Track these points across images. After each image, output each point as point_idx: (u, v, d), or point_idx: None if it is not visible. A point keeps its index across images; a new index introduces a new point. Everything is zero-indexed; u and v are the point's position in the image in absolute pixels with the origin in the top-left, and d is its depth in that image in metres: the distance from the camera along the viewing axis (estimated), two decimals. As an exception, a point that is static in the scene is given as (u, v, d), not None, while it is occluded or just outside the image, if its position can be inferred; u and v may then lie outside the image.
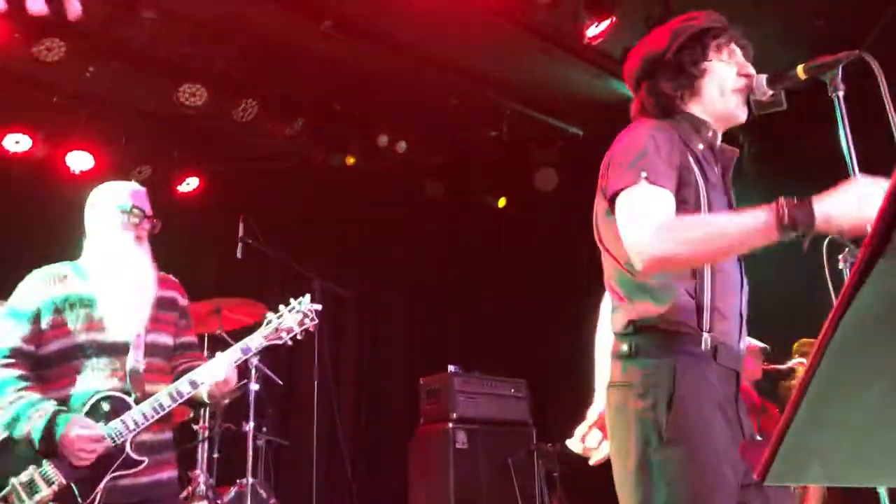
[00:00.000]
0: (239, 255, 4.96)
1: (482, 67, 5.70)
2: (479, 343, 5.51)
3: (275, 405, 5.20)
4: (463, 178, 6.88)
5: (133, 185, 2.86)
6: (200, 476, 4.42)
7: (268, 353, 5.00)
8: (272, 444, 4.98)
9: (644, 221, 1.68)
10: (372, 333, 6.01)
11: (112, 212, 2.74)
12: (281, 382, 4.90)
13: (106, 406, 2.50)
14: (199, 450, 4.68)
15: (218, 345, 4.86)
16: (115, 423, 2.48)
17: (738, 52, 1.95)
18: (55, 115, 5.95)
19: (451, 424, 5.01)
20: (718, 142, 1.98)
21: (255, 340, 2.68)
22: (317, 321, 2.77)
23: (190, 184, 6.62)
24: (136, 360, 2.58)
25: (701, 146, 1.90)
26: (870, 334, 0.74)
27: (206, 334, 4.82)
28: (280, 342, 2.72)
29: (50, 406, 2.45)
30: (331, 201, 6.34)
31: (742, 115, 1.93)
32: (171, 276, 2.94)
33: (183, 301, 2.90)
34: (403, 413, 5.30)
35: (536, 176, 6.68)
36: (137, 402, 2.53)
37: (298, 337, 2.75)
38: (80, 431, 2.40)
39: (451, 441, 4.97)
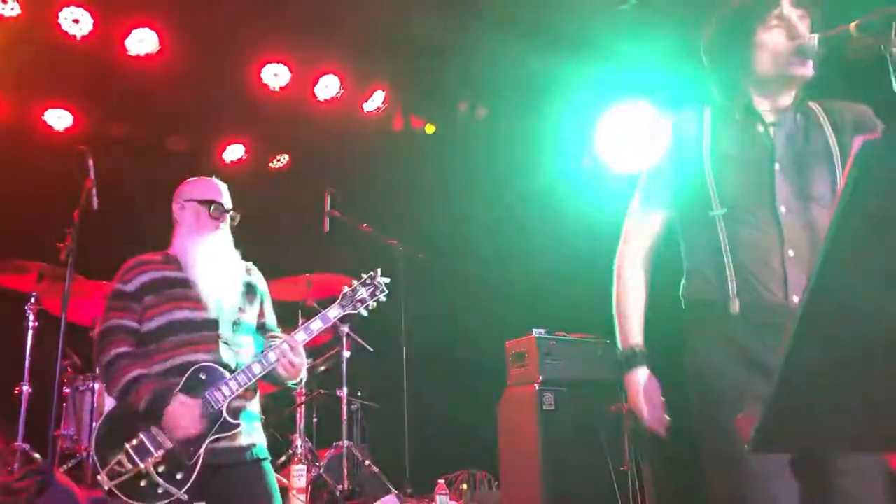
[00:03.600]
0: (326, 228, 5.14)
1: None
2: (565, 303, 5.50)
3: (366, 371, 5.38)
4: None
5: (213, 181, 3.09)
6: (299, 440, 4.66)
7: (359, 322, 5.21)
8: (365, 408, 5.19)
9: None
10: (457, 298, 6.10)
11: (196, 206, 2.99)
12: (371, 349, 5.08)
13: (203, 376, 2.72)
14: (298, 415, 4.93)
15: (310, 315, 5.10)
16: (212, 391, 2.69)
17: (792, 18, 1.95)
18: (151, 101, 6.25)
19: (538, 387, 5.06)
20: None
21: (333, 310, 2.89)
22: (387, 292, 2.95)
23: (281, 160, 6.89)
24: (228, 335, 2.83)
25: (737, 116, 2.02)
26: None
27: (300, 309, 5.05)
28: (354, 312, 2.91)
29: (154, 381, 2.69)
30: (413, 169, 6.43)
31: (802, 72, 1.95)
32: (251, 265, 3.17)
33: (262, 286, 3.13)
34: (490, 376, 5.38)
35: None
36: (231, 372, 2.74)
37: (371, 307, 2.93)
38: (182, 407, 2.63)
39: (538, 403, 5.02)
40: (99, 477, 2.67)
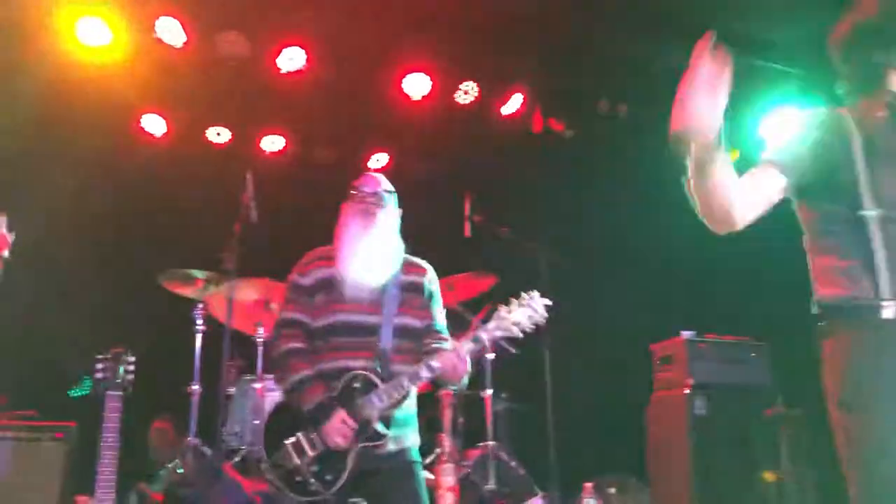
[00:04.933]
0: (467, 233, 5.21)
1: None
2: (713, 303, 5.32)
3: (510, 372, 5.42)
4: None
5: (371, 177, 3.08)
6: (447, 440, 4.75)
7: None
8: (510, 409, 5.23)
9: None
10: (598, 298, 6.02)
11: (352, 203, 3.01)
12: (514, 351, 5.10)
13: (357, 384, 2.80)
14: (444, 415, 5.02)
15: (453, 318, 5.19)
16: (363, 401, 2.77)
17: None
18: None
19: (687, 391, 4.92)
20: None
21: (487, 333, 2.80)
22: (546, 316, 2.82)
23: (421, 163, 7.04)
24: (385, 341, 2.85)
25: (881, 113, 1.90)
26: None
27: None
28: (509, 335, 2.81)
29: (321, 390, 2.79)
30: (553, 171, 6.40)
31: None
32: (419, 261, 3.14)
33: (431, 286, 3.08)
34: (635, 379, 5.29)
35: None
36: (384, 380, 2.78)
37: (527, 331, 2.81)
38: (341, 424, 2.72)
39: (688, 407, 4.89)
40: (262, 465, 2.85)
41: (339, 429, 2.72)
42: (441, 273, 5.08)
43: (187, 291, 4.90)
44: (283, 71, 5.86)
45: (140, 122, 6.10)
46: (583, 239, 5.89)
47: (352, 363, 2.83)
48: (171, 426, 5.07)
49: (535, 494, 4.64)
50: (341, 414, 2.74)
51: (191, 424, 4.64)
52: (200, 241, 5.23)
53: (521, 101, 6.29)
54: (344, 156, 6.82)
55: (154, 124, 6.14)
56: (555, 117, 6.39)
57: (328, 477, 2.74)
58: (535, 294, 2.83)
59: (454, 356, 2.75)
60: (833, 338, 1.93)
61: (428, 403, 5.14)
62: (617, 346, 5.71)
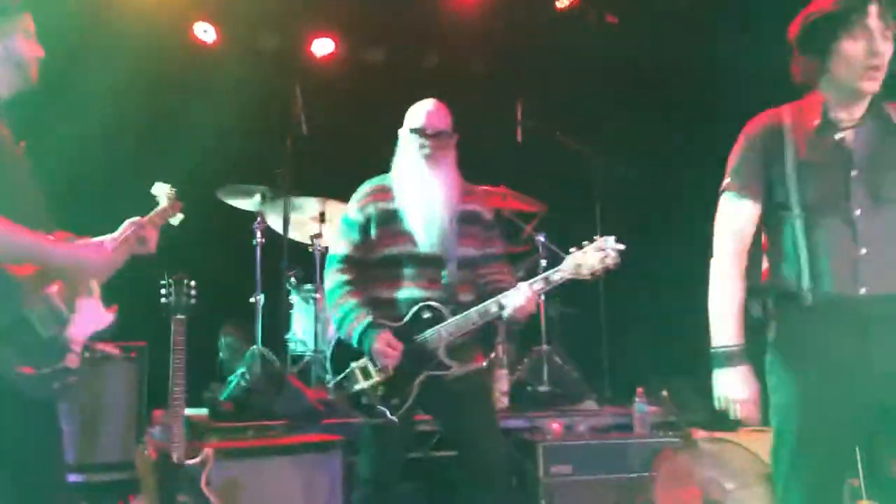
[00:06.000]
0: (518, 139, 5.16)
1: None
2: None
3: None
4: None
5: (428, 105, 3.02)
6: (500, 346, 4.87)
7: (563, 230, 5.24)
8: (564, 313, 5.30)
9: None
10: (660, 202, 5.93)
11: (407, 134, 3.00)
12: (562, 254, 5.12)
13: (427, 314, 2.85)
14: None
15: (506, 225, 5.21)
16: (432, 331, 2.84)
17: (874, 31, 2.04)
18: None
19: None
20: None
21: (558, 274, 2.79)
22: (618, 260, 2.76)
23: (473, 63, 6.88)
24: (450, 272, 2.90)
25: (816, 122, 2.16)
26: None
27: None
28: (579, 277, 2.78)
29: (366, 315, 2.86)
30: (611, 68, 6.19)
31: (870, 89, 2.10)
32: (478, 189, 3.15)
33: (487, 214, 3.08)
34: (695, 281, 5.25)
35: None
36: (453, 313, 2.83)
37: (599, 274, 2.76)
38: (385, 346, 2.80)
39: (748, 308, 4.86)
40: (328, 386, 2.99)
41: (383, 351, 2.81)
42: (493, 180, 5.11)
43: (245, 205, 5.02)
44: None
45: (192, 31, 6.10)
46: (643, 143, 5.73)
47: (418, 293, 2.88)
48: (239, 333, 5.31)
49: (589, 397, 4.75)
50: (385, 336, 2.82)
51: (256, 333, 4.84)
52: (256, 154, 5.32)
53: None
54: (394, 57, 6.72)
55: (205, 33, 6.14)
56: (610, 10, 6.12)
57: (394, 401, 2.83)
58: (610, 239, 2.77)
59: (523, 296, 2.76)
60: (773, 319, 2.24)
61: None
62: (674, 252, 5.66)
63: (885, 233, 2.08)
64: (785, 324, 2.18)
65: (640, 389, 4.34)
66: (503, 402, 4.49)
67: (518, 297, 2.76)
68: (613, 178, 5.27)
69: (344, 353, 2.94)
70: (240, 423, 3.97)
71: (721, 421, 4.36)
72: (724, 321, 2.24)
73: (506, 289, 2.82)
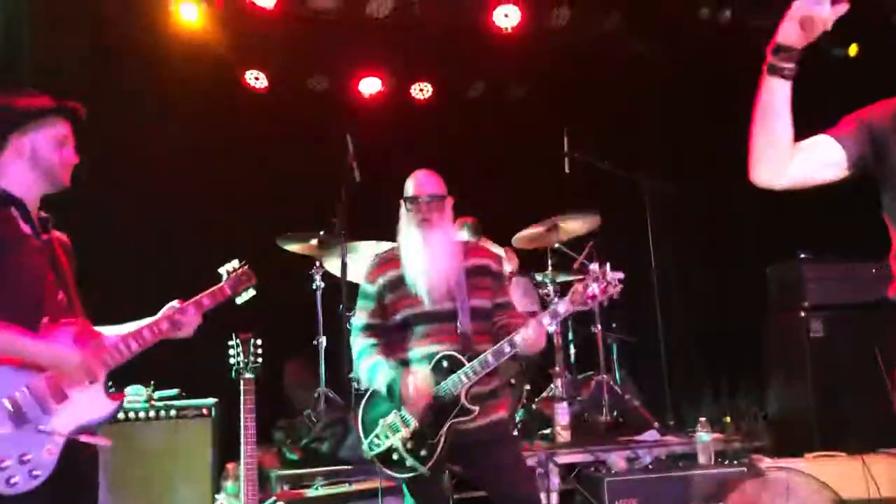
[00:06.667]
0: (567, 169, 5.20)
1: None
2: (833, 225, 5.12)
3: (622, 306, 5.47)
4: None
5: (419, 174, 3.22)
6: (559, 378, 4.90)
7: (615, 258, 5.26)
8: (622, 341, 5.32)
9: None
10: (713, 224, 5.90)
11: (403, 203, 3.21)
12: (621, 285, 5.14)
13: (445, 363, 2.99)
14: (556, 353, 5.16)
15: (559, 257, 5.27)
16: (452, 378, 2.96)
17: None
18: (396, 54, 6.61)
19: (803, 313, 4.83)
20: None
21: (562, 306, 2.94)
22: (620, 287, 2.92)
23: (518, 91, 6.95)
24: (463, 323, 3.05)
25: None
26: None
27: (548, 249, 5.23)
28: (586, 308, 2.97)
29: (391, 368, 3.02)
30: (655, 90, 6.20)
31: None
32: (485, 246, 3.36)
33: (496, 266, 3.26)
34: (753, 302, 5.21)
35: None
36: (469, 360, 2.97)
37: (603, 303, 2.99)
38: (410, 383, 2.93)
39: (805, 330, 4.81)
40: (363, 447, 3.08)
41: (410, 385, 2.93)
42: (543, 213, 5.17)
43: (304, 251, 5.18)
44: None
45: (244, 79, 6.33)
46: (699, 162, 5.70)
47: (437, 347, 3.03)
48: (302, 367, 5.47)
49: (651, 426, 4.75)
50: (409, 376, 2.95)
51: (321, 374, 4.99)
52: (312, 201, 5.48)
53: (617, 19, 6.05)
54: (440, 91, 6.84)
55: (256, 79, 6.36)
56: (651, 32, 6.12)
57: (423, 453, 2.94)
58: (606, 267, 2.93)
59: (533, 331, 2.89)
60: None
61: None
62: (730, 272, 5.62)
63: None
64: None
65: (701, 419, 4.33)
66: (564, 436, 4.52)
67: (528, 333, 2.89)
68: (664, 201, 5.26)
69: (375, 410, 3.07)
70: (308, 468, 4.10)
71: (786, 447, 4.36)
72: None
73: (517, 328, 2.95)
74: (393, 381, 2.99)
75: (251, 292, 2.79)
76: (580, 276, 5.24)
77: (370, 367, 3.09)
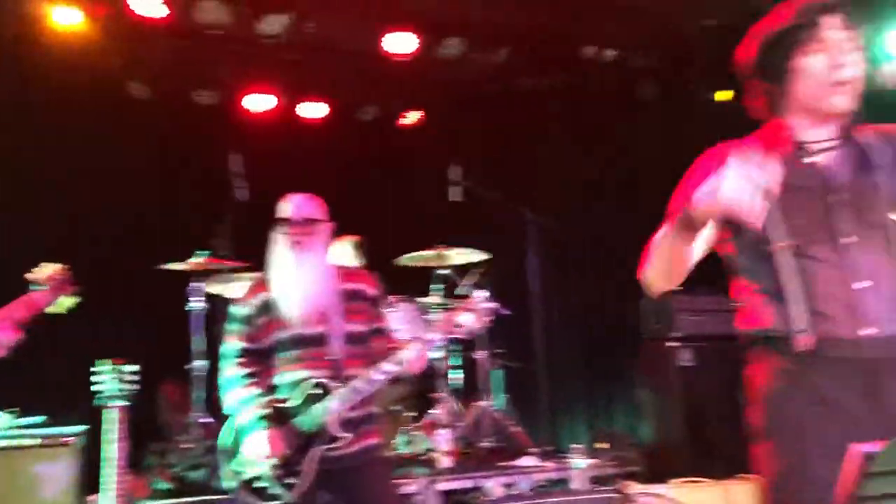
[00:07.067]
0: (458, 198, 5.28)
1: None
2: (705, 260, 5.41)
3: (505, 333, 5.57)
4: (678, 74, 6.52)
5: (295, 196, 3.17)
6: (441, 404, 4.93)
7: (500, 285, 5.35)
8: (505, 367, 5.40)
9: None
10: (593, 256, 6.11)
11: (277, 225, 3.14)
12: (508, 312, 5.24)
13: (314, 390, 2.95)
14: (440, 379, 5.18)
15: (444, 282, 5.31)
16: (320, 406, 2.91)
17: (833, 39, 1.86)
18: (288, 73, 6.54)
19: (673, 343, 5.06)
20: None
21: (431, 334, 2.99)
22: (490, 316, 2.98)
23: (412, 116, 7.02)
24: (335, 349, 3.01)
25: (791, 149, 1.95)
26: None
27: (433, 274, 5.28)
28: (455, 336, 3.01)
29: (260, 408, 2.94)
30: (543, 124, 6.39)
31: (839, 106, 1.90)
32: (360, 270, 3.34)
33: (371, 290, 3.21)
34: (629, 331, 5.41)
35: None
36: (340, 386, 2.93)
37: (474, 331, 3.00)
38: (262, 438, 2.87)
39: (674, 359, 5.03)
40: (224, 475, 3.00)
41: (264, 450, 2.87)
42: (430, 239, 5.22)
43: (183, 272, 5.01)
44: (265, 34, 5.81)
45: (126, 90, 6.10)
46: (580, 193, 5.89)
47: (307, 373, 2.99)
48: (177, 390, 5.27)
49: (530, 452, 4.84)
50: (262, 435, 2.88)
51: (196, 398, 4.82)
52: (194, 220, 5.33)
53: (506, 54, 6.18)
54: (333, 112, 6.81)
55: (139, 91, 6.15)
56: (541, 68, 6.32)
57: (289, 481, 2.88)
58: (481, 297, 2.98)
59: (412, 353, 2.92)
60: (751, 367, 1.99)
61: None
62: (608, 302, 5.82)
63: (880, 262, 1.85)
64: (775, 372, 1.90)
65: (577, 445, 4.45)
66: (444, 462, 4.55)
67: (407, 355, 2.91)
68: (547, 232, 5.41)
69: (235, 439, 3.00)
70: (180, 499, 3.94)
71: (657, 473, 4.53)
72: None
73: (395, 353, 2.96)
74: (255, 428, 2.90)
75: (72, 300, 2.57)
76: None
77: (240, 400, 2.99)
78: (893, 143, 1.96)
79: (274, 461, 2.89)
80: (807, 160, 1.94)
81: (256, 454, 2.89)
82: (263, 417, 2.93)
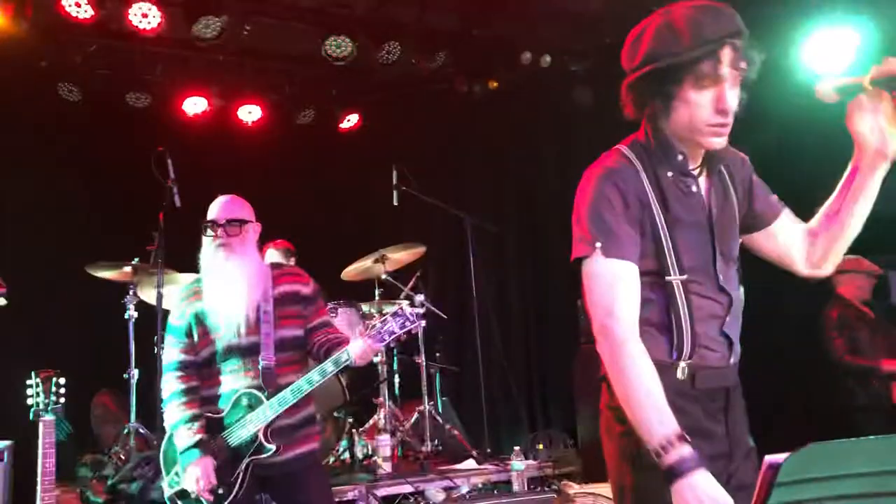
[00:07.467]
0: (395, 202, 5.28)
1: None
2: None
3: (445, 336, 5.61)
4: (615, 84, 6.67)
5: (221, 199, 3.09)
6: (382, 410, 4.95)
7: (440, 289, 5.37)
8: (445, 371, 5.45)
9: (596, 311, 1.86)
10: (532, 259, 6.21)
11: (203, 228, 3.05)
12: (445, 316, 5.28)
13: (245, 401, 2.91)
14: (381, 383, 5.20)
15: (386, 288, 5.33)
16: (247, 418, 2.89)
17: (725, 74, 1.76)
18: (224, 76, 6.47)
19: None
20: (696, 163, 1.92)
21: (363, 338, 2.85)
22: (418, 324, 2.98)
23: (350, 120, 6.99)
24: (266, 357, 2.95)
25: (671, 174, 1.89)
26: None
27: (376, 280, 5.29)
28: (385, 342, 2.86)
29: (194, 434, 2.88)
30: (482, 129, 6.46)
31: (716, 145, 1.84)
32: (292, 269, 3.22)
33: (306, 290, 3.11)
34: (567, 334, 5.51)
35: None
36: (269, 396, 2.89)
37: (402, 338, 2.91)
38: (196, 470, 2.82)
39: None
40: (157, 484, 2.96)
41: (192, 473, 2.83)
42: (372, 245, 5.23)
43: (116, 279, 4.91)
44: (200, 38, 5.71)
45: (57, 91, 5.94)
46: (519, 197, 5.97)
47: (241, 383, 2.94)
48: (112, 400, 5.17)
49: (470, 455, 4.89)
50: (198, 463, 2.84)
51: (131, 408, 4.73)
52: (127, 225, 5.21)
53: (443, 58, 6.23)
54: (269, 116, 6.74)
55: (70, 92, 5.99)
56: (478, 73, 6.39)
57: (220, 491, 2.86)
58: (405, 305, 2.95)
59: (360, 346, 2.84)
60: None
61: (365, 374, 5.33)
62: (546, 305, 5.91)
63: (735, 295, 1.89)
64: None
65: (516, 447, 4.52)
66: (385, 467, 4.56)
67: (356, 348, 2.84)
68: (486, 237, 5.47)
69: (173, 449, 2.97)
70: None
71: (594, 473, 4.63)
72: (661, 413, 1.71)
73: (340, 345, 2.92)
74: (189, 455, 2.86)
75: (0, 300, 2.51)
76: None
77: (177, 421, 2.93)
78: (742, 170, 2.00)
79: (208, 492, 2.83)
80: (686, 188, 1.90)
81: (191, 487, 2.83)
82: (197, 444, 2.87)
